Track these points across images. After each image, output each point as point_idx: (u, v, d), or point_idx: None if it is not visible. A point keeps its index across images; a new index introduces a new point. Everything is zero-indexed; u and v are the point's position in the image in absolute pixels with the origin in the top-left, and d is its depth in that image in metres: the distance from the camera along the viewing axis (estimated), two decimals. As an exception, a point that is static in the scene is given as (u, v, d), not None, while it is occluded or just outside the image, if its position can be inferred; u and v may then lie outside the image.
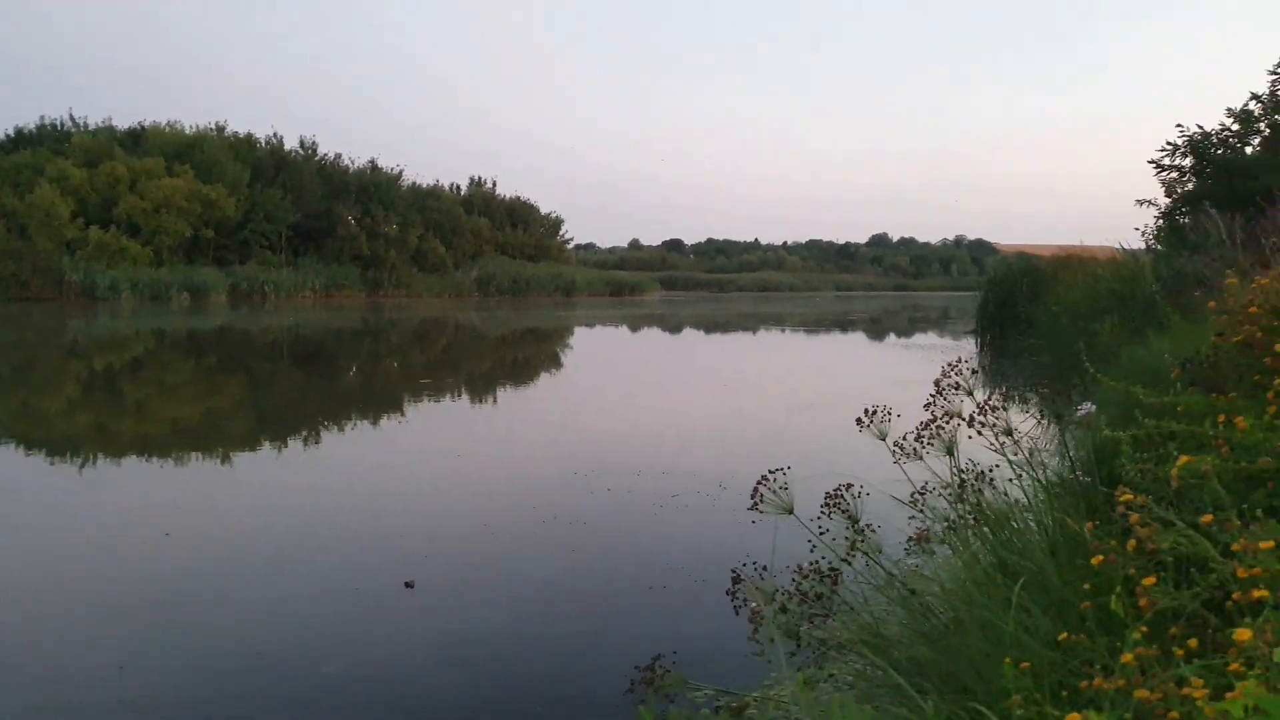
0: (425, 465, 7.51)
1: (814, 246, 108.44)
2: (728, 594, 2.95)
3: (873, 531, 3.03)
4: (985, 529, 2.54)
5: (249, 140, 45.78)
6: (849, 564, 2.76)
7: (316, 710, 3.20)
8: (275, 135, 47.22)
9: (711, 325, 30.32)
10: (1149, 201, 12.91)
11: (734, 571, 2.93)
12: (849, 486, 3.09)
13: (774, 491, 2.99)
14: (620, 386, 13.49)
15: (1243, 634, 1.23)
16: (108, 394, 12.16)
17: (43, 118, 45.45)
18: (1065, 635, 1.58)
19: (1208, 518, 1.77)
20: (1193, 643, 1.54)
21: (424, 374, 15.09)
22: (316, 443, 8.65)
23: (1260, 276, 3.20)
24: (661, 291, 67.99)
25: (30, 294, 33.77)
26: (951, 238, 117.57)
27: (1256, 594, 1.52)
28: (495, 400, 11.98)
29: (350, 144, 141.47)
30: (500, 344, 21.82)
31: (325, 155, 48.69)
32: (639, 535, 5.32)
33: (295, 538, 5.33)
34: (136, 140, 43.59)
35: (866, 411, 3.26)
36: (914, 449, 3.07)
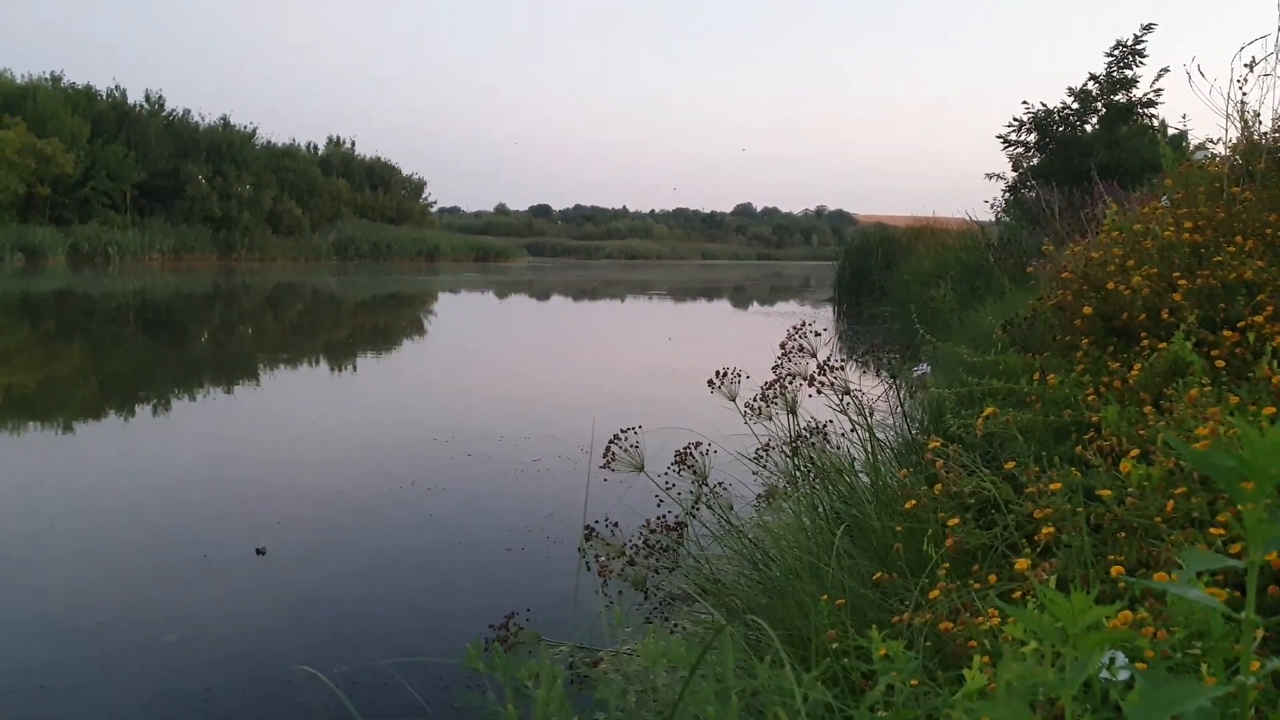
0: (280, 433, 7.27)
1: (680, 215, 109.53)
2: (579, 551, 3.00)
3: (724, 489, 3.14)
4: (821, 483, 2.66)
5: (88, 93, 42.56)
6: (695, 518, 2.85)
7: (149, 678, 3.08)
8: (118, 88, 44.09)
9: (579, 292, 30.32)
10: (997, 175, 13.60)
11: (587, 527, 2.98)
12: (697, 445, 3.19)
13: (625, 450, 3.05)
14: (485, 353, 13.36)
15: (1021, 564, 1.34)
16: (-77, 362, 11.20)
17: None
18: (879, 575, 1.68)
19: (1010, 465, 1.92)
20: (992, 578, 1.67)
21: (279, 340, 14.53)
22: (166, 411, 8.24)
23: (1074, 245, 3.46)
24: (528, 258, 67.39)
25: None
26: (813, 208, 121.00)
27: (1046, 531, 1.66)
28: (355, 368, 11.66)
29: (200, 99, 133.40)
30: (360, 310, 21.21)
31: (173, 111, 45.79)
32: (497, 500, 5.32)
33: (142, 507, 5.08)
34: (-39, 88, 39.89)
35: (718, 374, 3.36)
36: (760, 409, 3.19)
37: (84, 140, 39.06)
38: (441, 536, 4.66)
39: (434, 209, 64.58)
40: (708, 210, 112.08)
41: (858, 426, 2.92)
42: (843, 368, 3.21)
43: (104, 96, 43.19)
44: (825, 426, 2.91)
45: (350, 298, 24.70)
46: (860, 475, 2.66)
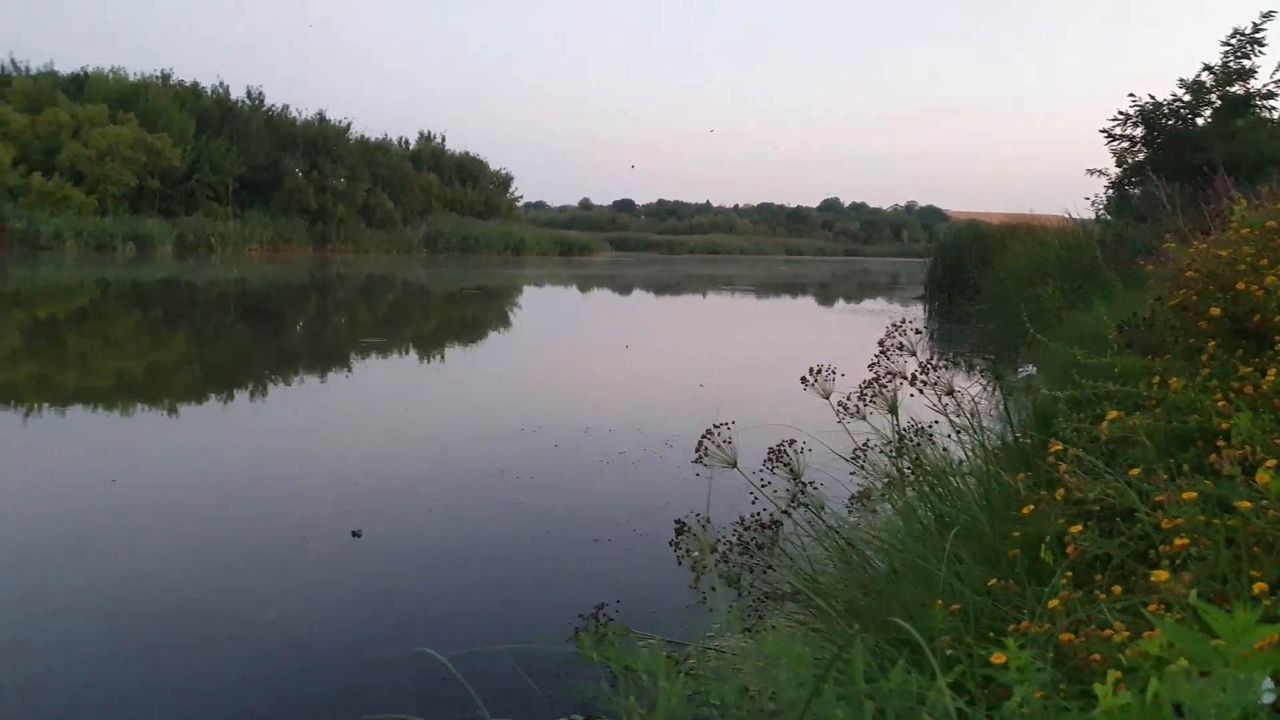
0: (372, 420, 7.44)
1: (765, 210, 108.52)
2: (671, 544, 2.98)
3: (816, 488, 3.08)
4: (924, 485, 2.59)
5: (194, 89, 44.40)
6: (790, 516, 2.80)
7: (260, 654, 3.18)
8: (221, 85, 45.89)
9: (661, 287, 30.32)
10: (1099, 171, 13.07)
11: (678, 522, 2.96)
12: (791, 442, 3.13)
13: (718, 445, 3.02)
14: (569, 346, 13.46)
15: (1160, 575, 1.27)
16: (51, 345, 11.82)
17: (-18, 62, 43.62)
18: (995, 582, 1.62)
19: (1135, 471, 1.82)
20: (1116, 590, 1.59)
21: (370, 330, 14.90)
22: (265, 397, 8.53)
23: (1198, 242, 3.28)
24: (611, 252, 67.72)
25: (-31, 242, 32.66)
26: (903, 203, 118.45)
27: (1179, 542, 1.57)
28: (443, 357, 11.88)
29: (298, 95, 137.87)
30: (448, 302, 21.60)
31: (272, 106, 47.43)
32: (584, 490, 5.34)
33: (246, 488, 5.27)
34: (80, 87, 42.03)
35: (811, 370, 3.30)
36: (857, 408, 3.12)
37: (190, 135, 40.74)
38: (530, 526, 4.70)
39: (520, 204, 65.44)
40: (793, 205, 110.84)
41: (962, 429, 2.83)
42: (946, 367, 3.11)
43: (209, 93, 44.98)
44: (931, 427, 2.82)
45: (439, 290, 25.20)
46: (964, 478, 2.58)
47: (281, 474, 5.62)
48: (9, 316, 14.54)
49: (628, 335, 15.31)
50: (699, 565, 2.64)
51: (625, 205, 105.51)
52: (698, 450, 2.94)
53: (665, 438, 6.52)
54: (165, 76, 44.56)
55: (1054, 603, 1.56)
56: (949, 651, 1.47)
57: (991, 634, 1.61)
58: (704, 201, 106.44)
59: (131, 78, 43.47)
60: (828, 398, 3.24)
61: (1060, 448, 1.68)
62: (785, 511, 2.76)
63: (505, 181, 61.14)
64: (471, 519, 4.78)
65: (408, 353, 12.11)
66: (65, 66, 44.98)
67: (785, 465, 2.85)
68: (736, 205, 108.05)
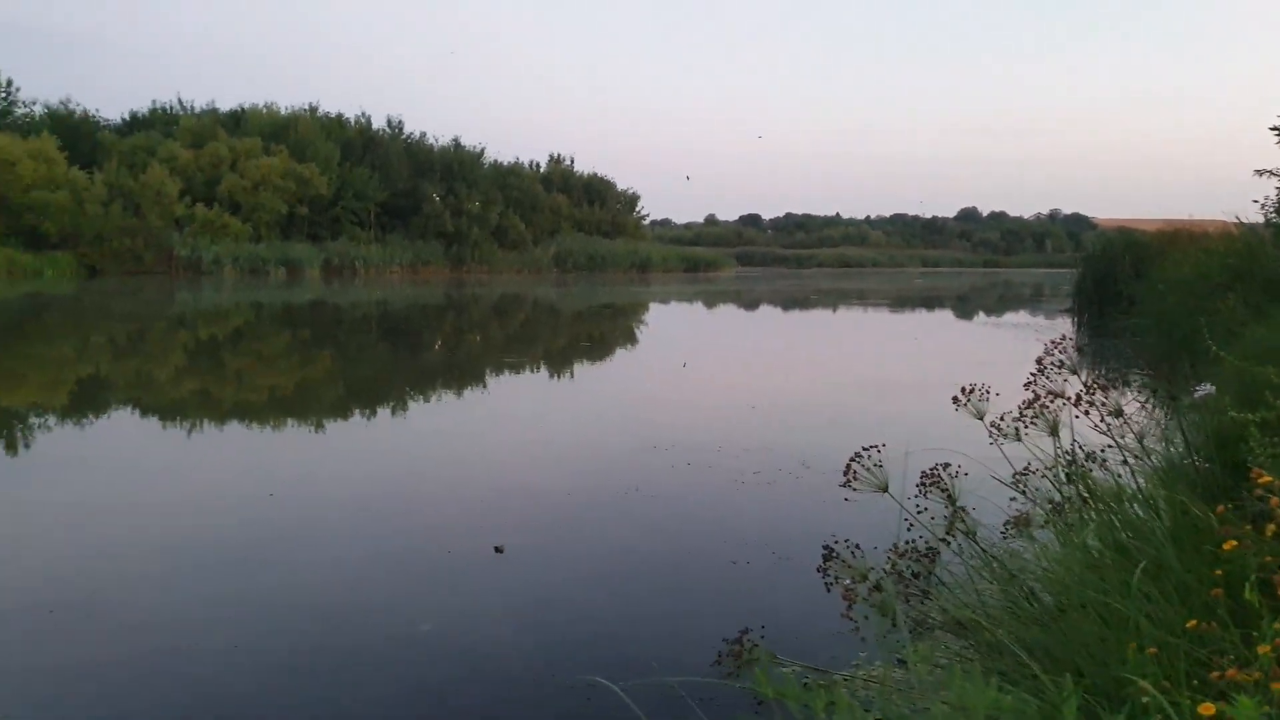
0: (510, 435, 7.60)
1: (898, 221, 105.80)
2: (819, 570, 2.90)
3: (966, 513, 2.93)
4: (1094, 512, 2.42)
5: (339, 120, 46.90)
6: (947, 544, 2.68)
7: (413, 666, 3.27)
8: (364, 115, 48.32)
9: (789, 302, 29.95)
10: (1269, 172, 12.14)
11: (826, 547, 2.88)
12: (945, 466, 3.00)
13: (868, 469, 2.92)
14: (697, 362, 13.43)
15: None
16: (211, 363, 12.63)
17: (154, 102, 47.43)
18: (1194, 623, 1.49)
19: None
20: (1336, 637, 1.43)
21: (506, 347, 15.28)
22: (406, 412, 8.83)
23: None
24: (738, 268, 67.44)
25: (144, 268, 35.42)
26: (1046, 212, 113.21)
27: None
28: (574, 374, 12.05)
29: (435, 123, 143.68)
30: (577, 319, 21.94)
31: (411, 134, 49.56)
32: (720, 510, 5.28)
33: (392, 500, 5.46)
34: (237, 122, 45.09)
35: (963, 390, 3.15)
36: (1015, 429, 2.96)
37: (335, 164, 43.02)
38: (666, 545, 4.68)
39: (646, 221, 66.04)
40: (928, 215, 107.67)
41: (1132, 452, 2.64)
42: (1111, 386, 2.92)
43: (352, 123, 47.40)
44: (1104, 452, 2.65)
45: (568, 308, 25.66)
46: (1143, 507, 2.40)
47: (424, 488, 5.80)
48: (175, 337, 15.63)
49: (756, 351, 15.18)
50: (851, 593, 2.55)
51: (751, 220, 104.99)
52: (846, 473, 2.85)
53: (800, 458, 6.40)
54: (313, 109, 47.27)
55: (1265, 649, 1.42)
56: (1145, 698, 1.36)
57: (1192, 680, 1.48)
58: (833, 214, 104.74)
59: (283, 111, 46.31)
60: (981, 418, 3.10)
61: (1269, 479, 1.53)
62: (943, 539, 2.64)
63: (632, 200, 61.89)
64: (609, 537, 4.80)
65: (539, 369, 12.35)
66: (225, 103, 48.31)
67: (942, 490, 2.73)
68: (868, 217, 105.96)
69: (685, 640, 3.58)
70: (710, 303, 29.14)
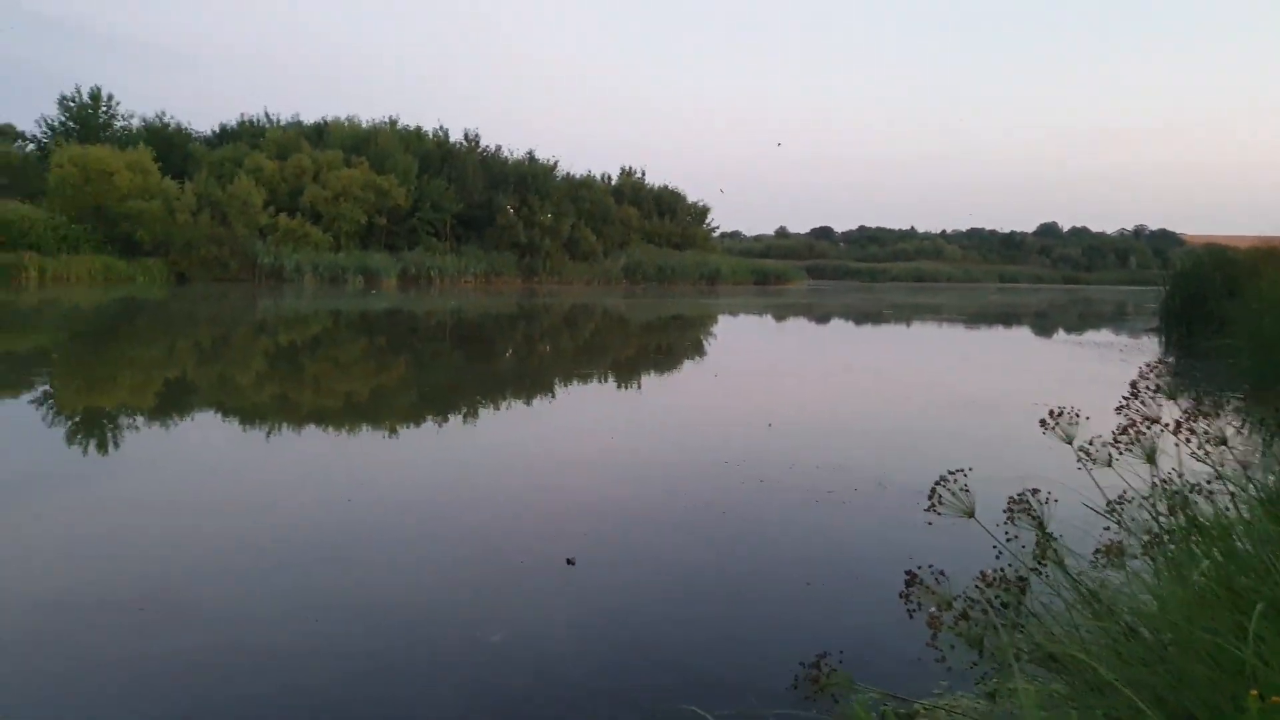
0: (579, 446, 7.63)
1: (975, 235, 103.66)
2: (901, 596, 2.82)
3: (1058, 541, 2.83)
4: (1198, 546, 2.31)
5: (418, 133, 47.96)
6: (1038, 573, 2.58)
7: (485, 676, 3.28)
8: (441, 128, 49.36)
9: (861, 316, 29.55)
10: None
11: (908, 573, 2.80)
12: (1034, 491, 2.90)
13: (953, 493, 2.84)
14: (767, 377, 13.31)
15: None
16: (290, 368, 12.98)
17: (242, 115, 49.23)
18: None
19: None
20: None
21: (575, 357, 15.37)
22: (478, 420, 8.93)
23: None
24: (809, 281, 66.87)
25: (230, 275, 36.65)
26: (1130, 227, 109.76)
27: None
28: (642, 385, 12.05)
29: (510, 136, 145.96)
30: (646, 331, 21.97)
31: (487, 147, 50.40)
32: (792, 530, 5.21)
33: (464, 508, 5.51)
34: (320, 134, 46.45)
35: (1051, 413, 3.05)
36: (1110, 455, 2.85)
37: (413, 175, 43.97)
38: (738, 564, 4.63)
39: (716, 234, 65.94)
40: (1006, 229, 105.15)
41: (1238, 485, 2.51)
42: (1214, 413, 2.80)
43: (430, 136, 48.41)
44: (1212, 483, 2.53)
45: (637, 319, 25.73)
46: (1248, 541, 2.28)
47: (496, 496, 5.84)
48: (256, 343, 16.10)
49: (827, 366, 14.99)
50: (936, 621, 2.48)
51: (823, 232, 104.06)
52: (930, 497, 2.77)
53: (874, 477, 6.29)
54: (393, 122, 48.42)
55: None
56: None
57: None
58: (908, 227, 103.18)
59: (364, 124, 47.55)
60: (1070, 442, 2.99)
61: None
62: (1035, 568, 2.55)
63: (702, 212, 61.90)
64: (680, 553, 4.77)
65: (608, 380, 12.38)
66: (309, 116, 49.80)
67: (1032, 517, 2.64)
68: (944, 231, 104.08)
69: (757, 661, 3.53)
70: (780, 315, 28.91)
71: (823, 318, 28.64)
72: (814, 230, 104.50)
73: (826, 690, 2.87)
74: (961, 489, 2.78)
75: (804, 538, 5.04)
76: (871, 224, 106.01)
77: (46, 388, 10.34)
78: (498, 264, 45.40)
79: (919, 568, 2.85)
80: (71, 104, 45.13)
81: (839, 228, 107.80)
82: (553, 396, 10.72)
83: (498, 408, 9.87)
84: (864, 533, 5.15)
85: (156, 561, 4.45)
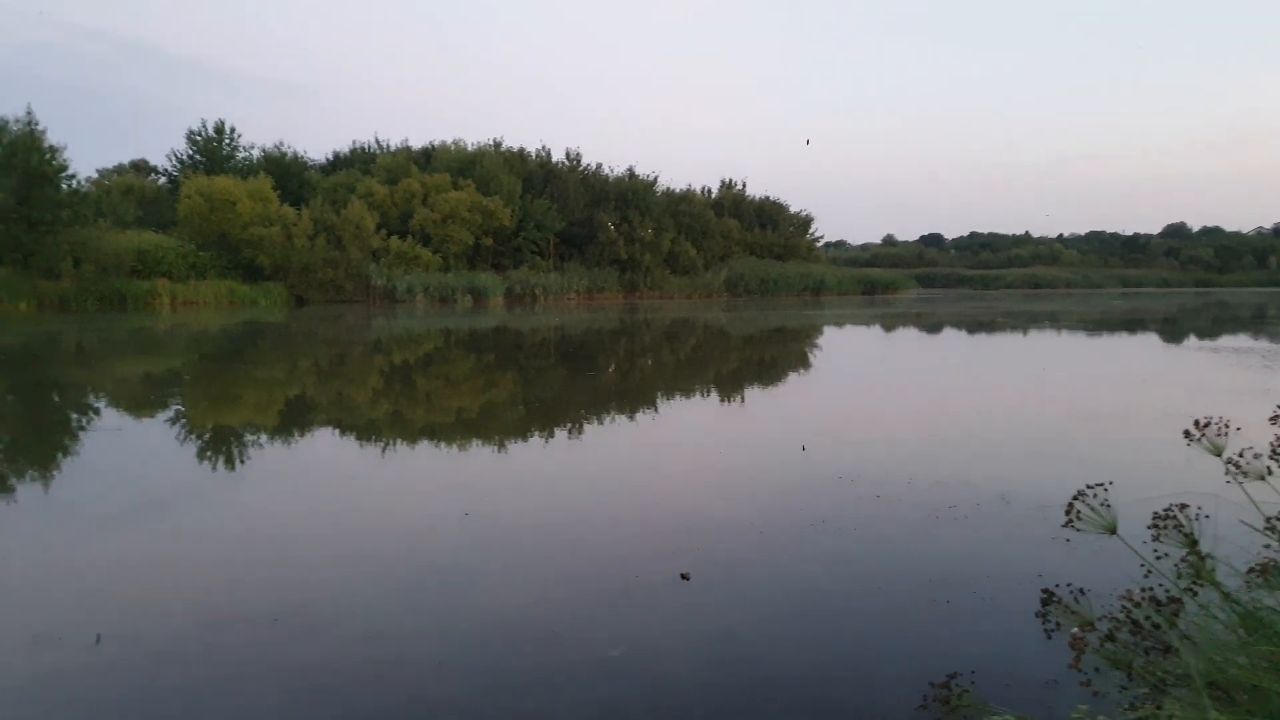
0: (687, 461, 7.60)
1: (1095, 239, 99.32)
2: (1037, 615, 2.69)
3: (1211, 560, 2.66)
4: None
5: (521, 154, 49.08)
6: (1193, 594, 2.43)
7: (607, 690, 3.28)
8: (544, 149, 50.39)
9: (974, 325, 28.66)
10: None
11: (1045, 591, 2.67)
12: (1183, 506, 2.73)
13: (1093, 508, 2.69)
14: (878, 388, 13.02)
15: None
16: (404, 386, 13.38)
17: (354, 142, 51.43)
18: None
19: None
20: None
21: (678, 371, 15.36)
22: (586, 435, 8.99)
23: None
24: (918, 289, 65.36)
25: (345, 297, 38.20)
26: (1269, 225, 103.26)
27: None
28: (748, 399, 11.94)
29: (610, 154, 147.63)
30: (748, 344, 21.81)
31: (588, 165, 51.14)
32: (913, 546, 5.05)
33: (577, 523, 5.54)
34: (428, 158, 48.04)
35: (1196, 424, 2.87)
36: (1268, 469, 2.66)
37: (517, 196, 44.95)
38: (857, 581, 4.51)
39: (820, 244, 65.19)
40: (1129, 232, 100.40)
41: None
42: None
43: (533, 156, 49.45)
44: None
45: (739, 332, 25.58)
46: None
47: (608, 512, 5.86)
48: (371, 362, 16.66)
49: (940, 377, 14.57)
50: (1080, 642, 2.35)
51: (933, 240, 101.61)
52: (1068, 513, 2.64)
53: (999, 492, 6.06)
54: (497, 144, 49.69)
55: None
56: None
57: None
58: (1022, 232, 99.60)
59: (469, 147, 48.91)
60: (1219, 454, 2.81)
61: None
62: (1190, 589, 2.40)
63: (805, 223, 61.31)
64: (798, 570, 4.68)
65: (712, 394, 12.32)
66: (417, 142, 51.60)
67: (1184, 534, 2.48)
68: (1060, 235, 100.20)
69: (881, 682, 3.42)
70: (888, 326, 28.30)
71: (933, 327, 27.90)
72: (923, 237, 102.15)
73: (958, 712, 2.76)
74: (1102, 504, 2.64)
75: (926, 555, 4.89)
76: (983, 229, 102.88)
77: (180, 407, 10.93)
78: (599, 280, 45.97)
79: (1056, 586, 2.72)
80: (198, 138, 47.89)
81: (949, 234, 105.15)
82: (656, 411, 10.73)
83: (604, 423, 9.93)
84: (989, 549, 4.96)
85: (286, 575, 4.62)
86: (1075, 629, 2.43)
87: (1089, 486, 2.70)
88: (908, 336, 24.89)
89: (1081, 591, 2.67)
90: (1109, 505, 2.65)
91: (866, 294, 56.61)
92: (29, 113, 35.06)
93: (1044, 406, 10.83)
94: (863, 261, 77.43)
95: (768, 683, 3.42)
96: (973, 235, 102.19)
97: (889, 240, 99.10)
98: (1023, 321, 30.18)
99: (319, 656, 3.60)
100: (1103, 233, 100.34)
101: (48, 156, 32.17)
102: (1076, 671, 2.41)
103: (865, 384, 13.64)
